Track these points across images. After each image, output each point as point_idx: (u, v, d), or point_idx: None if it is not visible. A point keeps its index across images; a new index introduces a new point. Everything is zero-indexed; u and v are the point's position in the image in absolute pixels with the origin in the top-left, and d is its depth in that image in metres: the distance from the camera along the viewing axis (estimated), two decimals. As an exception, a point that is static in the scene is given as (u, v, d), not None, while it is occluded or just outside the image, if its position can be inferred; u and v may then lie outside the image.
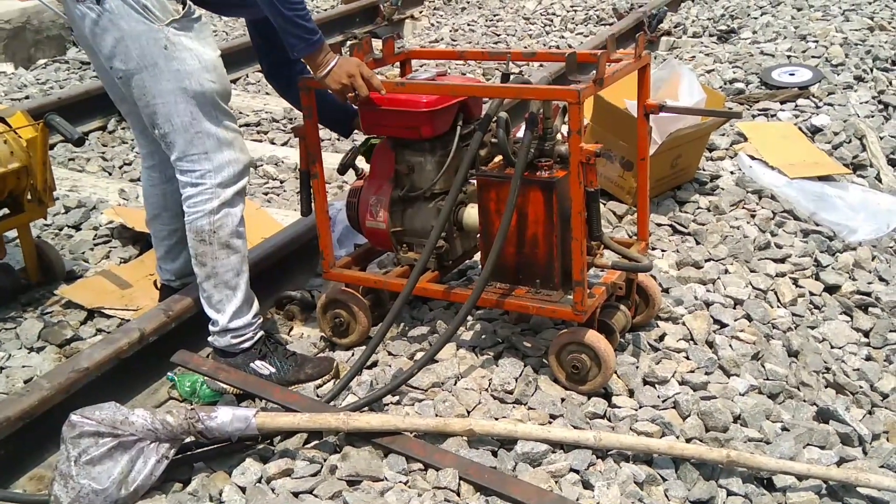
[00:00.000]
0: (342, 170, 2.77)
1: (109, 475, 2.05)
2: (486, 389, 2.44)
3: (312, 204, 2.73)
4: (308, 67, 2.49)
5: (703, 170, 3.89)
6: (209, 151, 2.43)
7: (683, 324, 2.76)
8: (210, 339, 2.61)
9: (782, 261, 3.24)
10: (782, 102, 4.63)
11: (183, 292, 2.89)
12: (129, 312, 3.17)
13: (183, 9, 2.37)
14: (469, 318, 2.74)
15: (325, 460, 2.18)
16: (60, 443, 2.09)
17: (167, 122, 2.42)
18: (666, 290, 2.92)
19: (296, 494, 2.07)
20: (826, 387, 2.64)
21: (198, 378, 2.61)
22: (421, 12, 8.69)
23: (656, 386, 2.47)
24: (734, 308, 2.89)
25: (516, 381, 2.45)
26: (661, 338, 2.70)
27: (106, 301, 3.23)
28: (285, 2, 2.32)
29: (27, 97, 5.84)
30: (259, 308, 2.64)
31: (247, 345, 2.60)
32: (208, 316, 2.58)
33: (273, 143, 5.10)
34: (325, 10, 8.83)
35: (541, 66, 5.62)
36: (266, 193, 4.34)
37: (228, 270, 2.51)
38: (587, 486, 2.10)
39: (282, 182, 4.49)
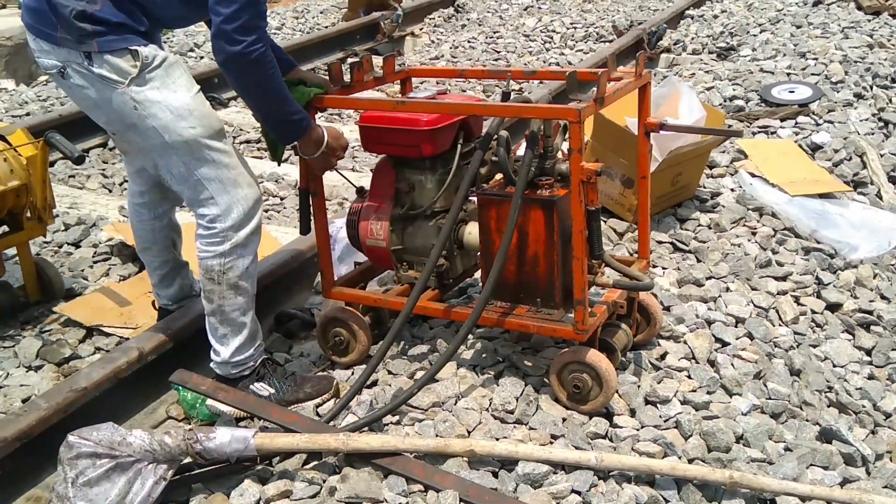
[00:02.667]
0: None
1: (107, 497, 2.04)
2: (487, 409, 2.42)
3: (312, 222, 2.73)
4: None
5: (704, 187, 3.89)
6: (214, 195, 2.39)
7: (685, 342, 2.75)
8: (212, 364, 2.60)
9: (784, 279, 3.23)
10: (782, 120, 4.64)
11: (181, 312, 2.88)
12: (127, 330, 3.16)
13: (137, 63, 2.28)
14: (470, 336, 2.73)
15: (324, 481, 2.16)
16: (58, 464, 2.07)
17: (167, 173, 2.43)
18: (667, 309, 2.90)
19: (295, 516, 2.06)
20: (828, 406, 2.62)
21: (199, 393, 2.60)
22: (421, 29, 8.73)
23: (658, 405, 2.45)
24: (735, 326, 2.88)
25: (517, 400, 2.43)
26: (663, 356, 2.68)
27: (105, 318, 3.22)
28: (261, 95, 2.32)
29: (28, 114, 5.86)
30: (262, 337, 2.62)
31: (247, 373, 2.58)
32: (211, 344, 2.55)
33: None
34: (326, 27, 8.87)
35: (541, 83, 5.63)
36: (266, 210, 4.33)
37: (235, 310, 2.48)
38: (589, 507, 2.08)
39: (282, 199, 4.49)
